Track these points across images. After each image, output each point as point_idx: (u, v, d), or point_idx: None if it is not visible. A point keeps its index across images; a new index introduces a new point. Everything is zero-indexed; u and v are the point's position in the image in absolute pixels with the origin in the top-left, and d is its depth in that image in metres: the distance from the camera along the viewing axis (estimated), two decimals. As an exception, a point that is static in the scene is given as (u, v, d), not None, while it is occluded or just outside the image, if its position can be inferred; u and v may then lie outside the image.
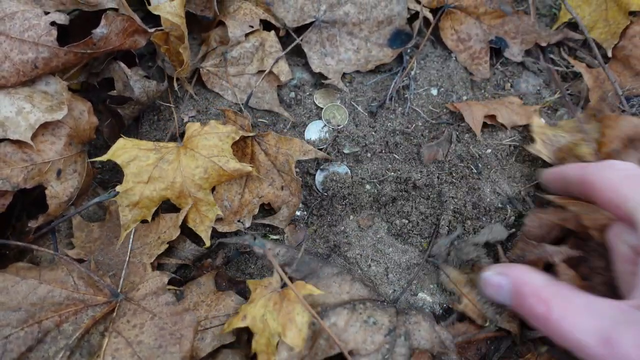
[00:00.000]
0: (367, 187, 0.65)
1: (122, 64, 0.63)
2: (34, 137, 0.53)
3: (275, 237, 0.63)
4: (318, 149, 0.64)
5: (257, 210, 0.62)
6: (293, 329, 0.47)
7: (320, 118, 0.68)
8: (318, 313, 0.51)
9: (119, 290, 0.53)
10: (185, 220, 0.58)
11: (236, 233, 0.62)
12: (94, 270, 0.55)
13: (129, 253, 0.57)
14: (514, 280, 0.46)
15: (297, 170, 0.64)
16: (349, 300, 0.53)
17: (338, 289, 0.54)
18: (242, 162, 0.59)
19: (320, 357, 0.49)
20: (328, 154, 0.65)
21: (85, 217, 0.62)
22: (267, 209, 0.65)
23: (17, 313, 0.48)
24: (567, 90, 0.72)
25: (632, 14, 0.72)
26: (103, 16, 0.56)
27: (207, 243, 0.57)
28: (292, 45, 0.71)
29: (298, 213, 0.65)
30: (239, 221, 0.61)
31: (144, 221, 0.57)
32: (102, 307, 0.52)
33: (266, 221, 0.62)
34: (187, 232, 0.59)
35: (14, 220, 0.60)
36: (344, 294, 0.54)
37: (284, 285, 0.51)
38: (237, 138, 0.60)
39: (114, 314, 0.51)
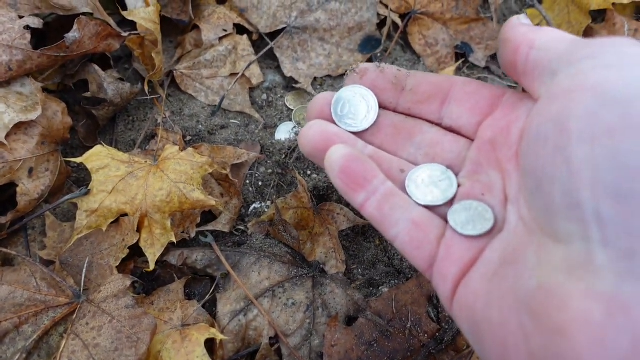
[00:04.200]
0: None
1: (96, 67, 0.65)
2: (6, 136, 0.55)
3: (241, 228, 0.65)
4: (287, 149, 0.66)
5: (199, 219, 0.62)
6: None
7: (290, 119, 0.70)
8: (244, 308, 0.57)
9: (81, 292, 0.53)
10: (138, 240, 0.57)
11: (184, 242, 0.62)
12: (59, 271, 0.55)
13: (92, 254, 0.57)
14: None
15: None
16: (269, 287, 0.58)
17: (258, 277, 0.58)
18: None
19: (253, 346, 0.55)
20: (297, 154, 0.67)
21: (60, 216, 0.63)
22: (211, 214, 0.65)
23: (-25, 315, 0.48)
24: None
25: (594, 16, 0.75)
26: (76, 21, 0.58)
27: (152, 267, 0.56)
28: (265, 49, 0.73)
29: (257, 205, 0.66)
30: (183, 232, 0.61)
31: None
32: (63, 308, 0.52)
33: (209, 227, 0.62)
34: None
35: (-11, 218, 0.61)
36: (264, 281, 0.58)
37: (184, 325, 0.54)
38: (211, 171, 0.59)
39: (74, 315, 0.51)
